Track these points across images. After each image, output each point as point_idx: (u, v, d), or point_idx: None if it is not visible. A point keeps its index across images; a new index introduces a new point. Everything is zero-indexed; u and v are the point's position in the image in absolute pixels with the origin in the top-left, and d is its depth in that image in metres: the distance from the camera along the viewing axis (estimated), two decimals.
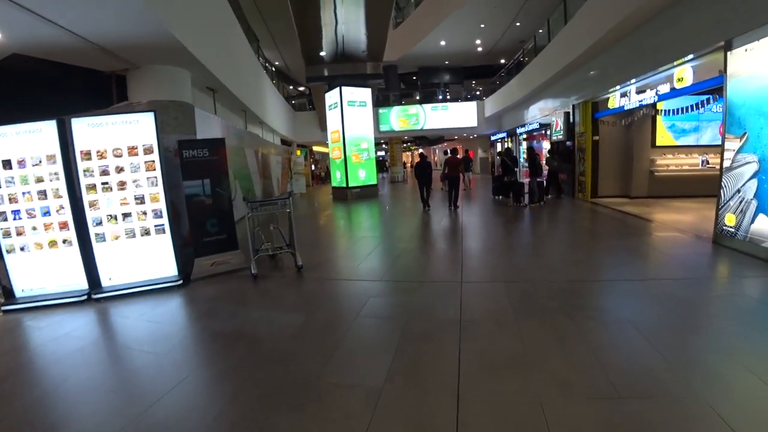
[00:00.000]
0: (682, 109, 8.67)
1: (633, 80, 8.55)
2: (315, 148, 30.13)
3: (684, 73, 7.10)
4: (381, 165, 39.98)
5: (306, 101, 24.96)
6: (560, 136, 12.36)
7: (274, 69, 25.87)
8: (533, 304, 3.67)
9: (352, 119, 14.35)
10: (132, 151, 5.02)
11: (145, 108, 5.32)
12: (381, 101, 23.07)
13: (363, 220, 9.94)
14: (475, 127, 22.41)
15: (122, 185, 5.03)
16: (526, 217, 8.87)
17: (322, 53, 13.96)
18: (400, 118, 22.42)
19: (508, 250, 6.01)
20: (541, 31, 14.30)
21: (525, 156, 16.09)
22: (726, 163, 5.49)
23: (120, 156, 4.98)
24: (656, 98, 8.01)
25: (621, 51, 8.54)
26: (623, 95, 9.31)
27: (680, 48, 6.72)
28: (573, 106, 11.41)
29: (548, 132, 15.66)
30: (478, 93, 24.57)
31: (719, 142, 11.09)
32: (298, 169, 18.09)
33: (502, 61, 23.71)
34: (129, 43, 5.13)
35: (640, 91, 8.64)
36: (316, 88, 17.35)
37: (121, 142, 4.96)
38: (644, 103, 8.47)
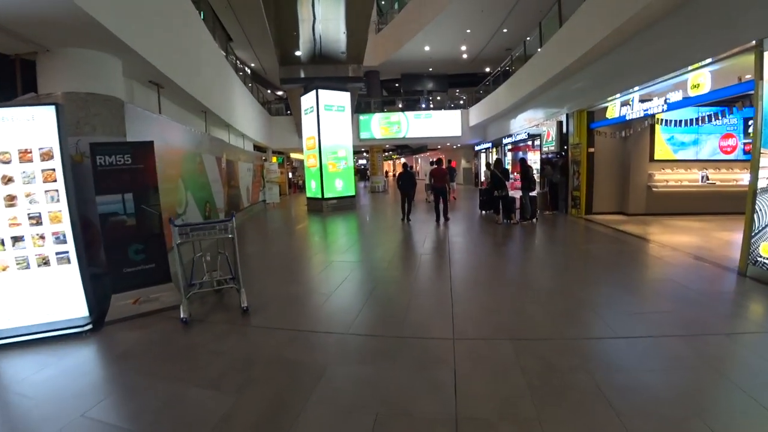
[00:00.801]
0: (684, 121, 7.90)
1: (636, 88, 7.75)
2: (293, 155, 28.90)
3: (700, 79, 6.29)
4: (362, 174, 39.04)
5: (283, 106, 23.77)
6: (552, 147, 11.56)
7: (249, 71, 24.68)
8: (557, 380, 2.62)
9: (329, 125, 13.28)
10: (24, 155, 3.82)
11: (49, 101, 4.12)
12: (362, 108, 22.12)
13: (337, 238, 8.83)
14: (459, 137, 21.63)
15: (11, 200, 3.82)
16: (520, 238, 7.93)
17: (298, 53, 12.89)
18: (382, 125, 21.48)
19: (507, 286, 5.00)
20: (529, 38, 13.58)
21: (510, 167, 15.24)
22: (762, 183, 4.62)
23: (8, 162, 3.78)
24: (665, 107, 7.20)
25: (625, 55, 7.75)
26: (624, 104, 8.52)
27: (697, 50, 5.90)
28: (567, 114, 10.62)
29: (535, 143, 14.92)
30: (462, 102, 23.86)
31: (720, 157, 10.54)
32: (271, 177, 16.86)
33: (488, 69, 23.13)
34: (25, 16, 3.94)
35: (644, 100, 7.85)
36: (292, 92, 16.26)
37: (10, 144, 3.76)
38: (650, 112, 7.66)
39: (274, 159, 24.01)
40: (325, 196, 13.20)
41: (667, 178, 9.99)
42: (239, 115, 13.50)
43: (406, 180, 10.05)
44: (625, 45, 7.62)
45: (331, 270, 5.79)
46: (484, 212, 11.44)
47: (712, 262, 5.54)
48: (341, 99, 13.58)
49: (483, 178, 11.20)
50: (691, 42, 6.03)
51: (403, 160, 42.04)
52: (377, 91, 23.39)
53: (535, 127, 13.76)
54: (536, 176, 11.59)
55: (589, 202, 10.26)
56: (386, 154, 39.68)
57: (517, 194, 10.08)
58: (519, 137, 15.40)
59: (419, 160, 40.42)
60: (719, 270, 5.23)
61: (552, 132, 11.51)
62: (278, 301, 4.47)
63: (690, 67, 6.28)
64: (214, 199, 9.13)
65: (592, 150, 10.10)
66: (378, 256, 6.72)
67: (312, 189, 13.95)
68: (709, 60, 5.81)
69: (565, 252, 6.76)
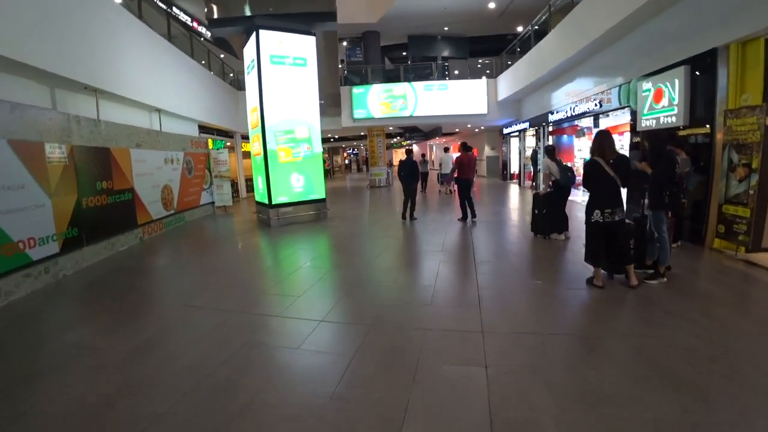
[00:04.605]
0: None
1: None
2: None
3: None
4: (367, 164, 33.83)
5: None
6: (671, 118, 6.32)
7: (211, 35, 19.72)
8: None
9: (277, 87, 8.21)
10: None
11: None
12: (357, 79, 17.07)
13: (259, 301, 3.94)
14: (484, 115, 16.30)
15: None
16: (673, 349, 2.87)
17: None
18: (382, 100, 16.32)
19: None
20: None
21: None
22: None
23: None
24: None
25: None
26: None
27: None
28: (716, 51, 5.38)
29: (604, 117, 9.72)
30: (488, 71, 18.37)
31: None
32: (220, 170, 12.05)
33: (520, 29, 17.72)
34: None
35: None
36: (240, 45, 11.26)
37: None
38: None
39: (246, 146, 19.18)
40: (274, 202, 8.26)
41: None
42: (141, 77, 8.58)
43: (408, 170, 8.45)
44: None
45: None
46: (538, 236, 6.46)
47: None
48: (300, 47, 8.47)
49: (542, 171, 6.02)
50: None
51: (416, 147, 36.74)
52: (377, 58, 18.22)
53: (608, 91, 8.53)
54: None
55: (759, 226, 5.11)
56: (394, 140, 34.44)
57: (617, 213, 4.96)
58: (580, 110, 10.15)
59: (434, 147, 35.16)
60: None
61: (669, 91, 6.25)
62: None
63: None
64: None
65: None
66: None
67: (260, 189, 9.06)
68: None
69: None
